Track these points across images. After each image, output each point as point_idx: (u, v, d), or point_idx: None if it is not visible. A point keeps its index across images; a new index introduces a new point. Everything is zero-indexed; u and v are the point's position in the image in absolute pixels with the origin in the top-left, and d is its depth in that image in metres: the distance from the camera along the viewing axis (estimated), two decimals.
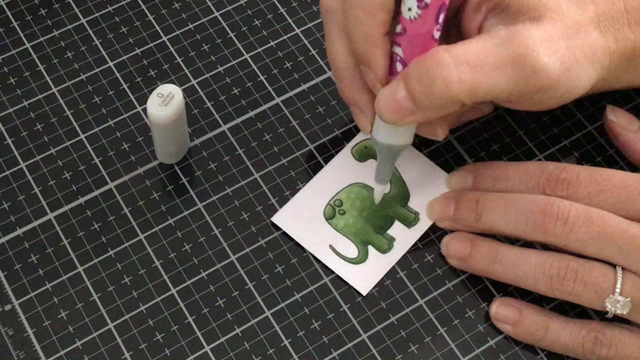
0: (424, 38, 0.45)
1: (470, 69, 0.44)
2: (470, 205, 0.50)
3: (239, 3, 0.60)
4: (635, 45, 0.48)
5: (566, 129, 0.55)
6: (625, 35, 0.48)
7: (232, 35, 0.58)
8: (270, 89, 0.57)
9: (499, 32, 0.45)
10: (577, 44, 0.46)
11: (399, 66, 0.47)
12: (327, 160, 0.54)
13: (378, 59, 0.47)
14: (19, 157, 0.54)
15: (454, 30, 0.49)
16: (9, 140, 0.55)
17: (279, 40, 0.58)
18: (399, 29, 0.46)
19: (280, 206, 0.53)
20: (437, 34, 0.46)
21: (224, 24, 0.59)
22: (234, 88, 0.57)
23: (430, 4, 0.44)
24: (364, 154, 0.54)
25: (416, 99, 0.45)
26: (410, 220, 0.52)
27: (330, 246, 0.52)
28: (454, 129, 0.55)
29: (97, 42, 0.58)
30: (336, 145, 0.55)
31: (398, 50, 0.47)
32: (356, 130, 0.55)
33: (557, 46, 0.45)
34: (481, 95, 0.45)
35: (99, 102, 0.56)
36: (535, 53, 0.44)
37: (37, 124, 0.55)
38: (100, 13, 0.59)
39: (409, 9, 0.45)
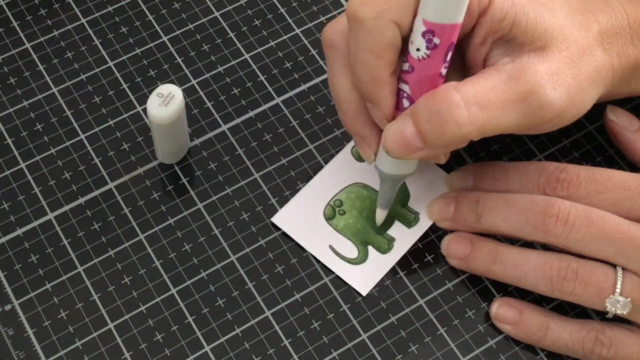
0: (432, 76, 0.45)
1: (480, 109, 0.44)
2: (471, 206, 0.50)
3: (239, 3, 0.60)
4: (638, 59, 0.48)
5: (566, 129, 0.55)
6: (627, 51, 0.48)
7: (232, 35, 0.58)
8: (270, 89, 0.57)
9: (506, 66, 0.45)
10: (582, 69, 0.46)
11: (405, 102, 0.46)
12: (327, 160, 0.54)
13: (385, 97, 0.46)
14: (19, 157, 0.54)
15: (456, 60, 0.49)
16: (9, 140, 0.55)
17: (279, 40, 0.58)
18: (406, 66, 0.46)
19: (280, 206, 0.53)
20: (444, 71, 0.45)
21: (224, 24, 0.59)
22: (234, 88, 0.57)
23: (439, 44, 0.44)
24: None
25: (425, 138, 0.45)
26: (410, 220, 0.52)
27: (330, 246, 0.52)
28: None
29: (97, 42, 0.58)
30: (336, 145, 0.55)
31: (405, 87, 0.46)
32: None
33: (563, 77, 0.45)
34: (490, 132, 0.45)
35: (99, 102, 0.56)
36: (543, 89, 0.44)
37: (37, 124, 0.55)
38: (100, 13, 0.59)
39: (417, 49, 0.44)
